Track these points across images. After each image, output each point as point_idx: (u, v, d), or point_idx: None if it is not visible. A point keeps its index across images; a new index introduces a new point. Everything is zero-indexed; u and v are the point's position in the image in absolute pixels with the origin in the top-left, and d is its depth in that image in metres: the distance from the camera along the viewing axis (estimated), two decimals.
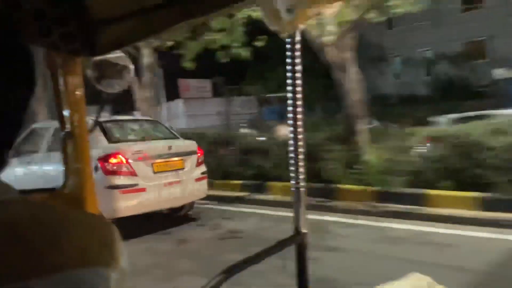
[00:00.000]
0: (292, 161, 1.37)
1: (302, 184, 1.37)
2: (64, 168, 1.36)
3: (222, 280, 1.10)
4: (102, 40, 1.23)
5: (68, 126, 1.33)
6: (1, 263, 0.46)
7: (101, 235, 0.58)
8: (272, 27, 1.13)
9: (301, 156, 1.36)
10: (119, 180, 5.48)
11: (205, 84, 25.74)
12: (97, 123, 1.60)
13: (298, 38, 1.27)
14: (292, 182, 1.37)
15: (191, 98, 24.22)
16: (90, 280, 0.53)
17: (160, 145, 6.17)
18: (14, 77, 0.52)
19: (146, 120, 7.53)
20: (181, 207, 6.63)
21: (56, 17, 1.13)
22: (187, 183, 6.16)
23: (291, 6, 0.94)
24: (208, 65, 12.70)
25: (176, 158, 6.11)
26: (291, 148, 1.36)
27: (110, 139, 5.84)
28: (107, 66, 1.34)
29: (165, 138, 6.56)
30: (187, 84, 24.74)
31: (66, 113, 1.32)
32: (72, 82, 1.30)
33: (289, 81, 1.32)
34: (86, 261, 0.53)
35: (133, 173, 5.59)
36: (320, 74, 17.72)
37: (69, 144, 1.34)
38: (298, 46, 1.28)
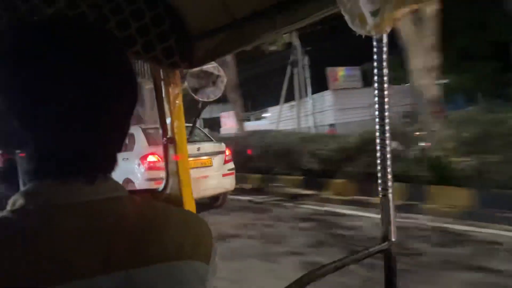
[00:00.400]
0: (379, 167, 1.32)
1: (390, 190, 1.32)
2: (165, 171, 1.50)
3: (304, 283, 1.10)
4: (198, 53, 1.34)
5: (169, 133, 1.47)
6: (107, 252, 0.53)
7: (196, 232, 0.65)
8: (358, 31, 1.13)
9: (388, 162, 1.31)
10: (155, 174, 6.69)
11: (355, 73, 22.39)
12: (193, 129, 1.73)
13: (385, 40, 1.24)
14: (380, 188, 1.33)
15: (341, 88, 21.04)
16: (186, 273, 0.59)
17: (190, 147, 7.00)
18: (125, 88, 0.60)
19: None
20: (217, 198, 7.95)
21: (158, 33, 1.26)
22: (214, 178, 7.44)
23: (376, 10, 0.93)
24: (355, 50, 11.16)
25: (204, 157, 7.43)
26: (378, 154, 1.31)
27: (149, 141, 7.29)
28: (202, 77, 1.45)
29: (198, 141, 7.70)
30: (335, 73, 21.83)
31: (167, 120, 1.46)
32: (172, 93, 1.44)
33: (376, 85, 1.29)
34: (183, 255, 0.59)
35: None
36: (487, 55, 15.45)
37: (170, 149, 1.48)
38: (385, 49, 1.25)
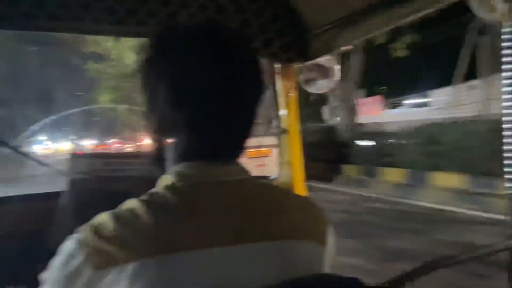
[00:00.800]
0: (508, 161, 1.22)
1: None
2: (280, 160, 1.59)
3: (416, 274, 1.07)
4: (314, 47, 1.39)
5: (283, 124, 1.55)
6: (240, 226, 0.61)
7: (314, 215, 0.71)
8: (486, 17, 1.06)
9: None
10: (255, 161, 8.01)
11: None
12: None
13: None
14: (508, 185, 1.24)
15: None
16: (305, 251, 0.66)
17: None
18: (255, 81, 0.69)
19: None
20: None
21: (277, 30, 1.35)
22: (271, 166, 7.72)
23: None
24: None
25: (264, 149, 8.47)
26: (507, 147, 1.22)
27: None
28: (314, 69, 1.50)
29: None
30: None
31: (282, 112, 1.54)
32: (286, 86, 1.51)
33: (505, 74, 1.19)
34: (303, 234, 0.66)
35: None
36: None
37: (283, 140, 1.56)
38: None
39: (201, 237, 0.59)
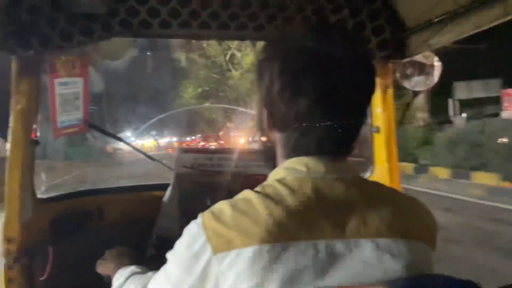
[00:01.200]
0: None
1: None
2: (374, 158, 1.56)
3: None
4: (413, 44, 1.35)
5: (377, 122, 1.52)
6: (343, 222, 0.63)
7: (426, 217, 0.71)
8: None
9: None
10: None
11: None
12: None
13: None
14: None
15: None
16: (424, 252, 0.66)
17: None
18: (366, 80, 0.70)
19: None
20: None
21: (374, 27, 1.33)
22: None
23: None
24: None
25: None
26: None
27: None
28: (411, 66, 1.46)
29: None
30: None
31: (378, 110, 1.51)
32: (383, 84, 1.48)
33: None
34: (416, 235, 0.66)
35: None
36: None
37: (378, 138, 1.53)
38: None
39: (310, 229, 0.62)
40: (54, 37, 1.16)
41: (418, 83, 1.36)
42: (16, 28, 1.13)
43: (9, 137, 1.24)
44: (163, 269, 0.71)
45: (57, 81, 1.31)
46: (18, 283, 1.24)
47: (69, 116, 1.41)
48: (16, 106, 1.23)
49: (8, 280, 1.23)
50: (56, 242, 1.35)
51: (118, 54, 1.36)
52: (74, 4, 1.17)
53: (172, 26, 1.25)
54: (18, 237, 1.23)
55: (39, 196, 1.39)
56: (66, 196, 1.58)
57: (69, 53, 1.21)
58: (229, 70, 21.19)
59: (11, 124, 1.23)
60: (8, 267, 1.23)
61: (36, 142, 1.30)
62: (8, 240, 1.23)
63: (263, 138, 0.79)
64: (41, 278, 1.28)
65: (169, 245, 0.68)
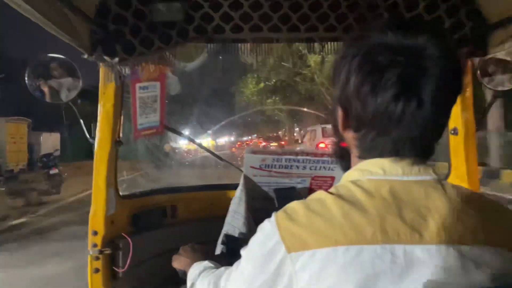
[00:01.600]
0: None
1: None
2: (449, 163, 1.48)
3: None
4: (495, 41, 1.26)
5: (455, 123, 1.44)
6: (420, 228, 0.60)
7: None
8: None
9: None
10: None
11: None
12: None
13: None
14: None
15: None
16: (503, 260, 0.61)
17: None
18: (456, 80, 0.66)
19: None
20: None
21: (453, 23, 1.26)
22: None
23: None
24: None
25: None
26: None
27: (323, 135, 14.66)
28: (495, 64, 1.36)
29: None
30: None
31: (456, 111, 1.43)
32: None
33: None
34: (499, 243, 0.61)
35: None
36: None
37: (455, 140, 1.45)
38: None
39: (386, 233, 0.59)
40: (137, 45, 1.24)
41: (501, 82, 1.25)
42: (103, 36, 1.22)
43: (96, 138, 1.35)
44: (237, 264, 0.73)
45: (138, 85, 1.40)
46: (103, 273, 1.34)
47: (147, 118, 1.50)
48: (102, 109, 1.33)
49: (95, 270, 1.34)
50: (136, 236, 1.44)
51: (191, 57, 1.42)
52: (154, 13, 1.24)
53: (244, 30, 1.29)
54: (103, 230, 1.33)
55: (121, 193, 1.50)
56: (145, 193, 1.68)
57: (148, 59, 1.29)
58: (299, 73, 20.56)
59: (98, 125, 1.34)
60: (94, 258, 1.34)
61: (119, 143, 1.40)
62: (94, 232, 1.33)
63: (336, 139, 0.78)
64: (122, 270, 1.38)
65: (237, 243, 0.70)
